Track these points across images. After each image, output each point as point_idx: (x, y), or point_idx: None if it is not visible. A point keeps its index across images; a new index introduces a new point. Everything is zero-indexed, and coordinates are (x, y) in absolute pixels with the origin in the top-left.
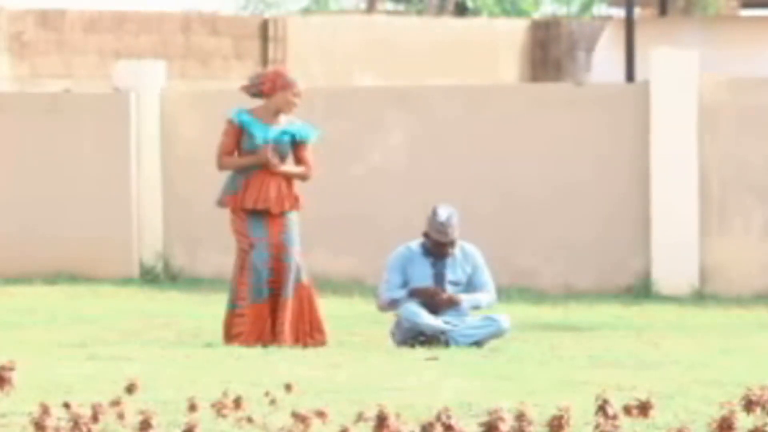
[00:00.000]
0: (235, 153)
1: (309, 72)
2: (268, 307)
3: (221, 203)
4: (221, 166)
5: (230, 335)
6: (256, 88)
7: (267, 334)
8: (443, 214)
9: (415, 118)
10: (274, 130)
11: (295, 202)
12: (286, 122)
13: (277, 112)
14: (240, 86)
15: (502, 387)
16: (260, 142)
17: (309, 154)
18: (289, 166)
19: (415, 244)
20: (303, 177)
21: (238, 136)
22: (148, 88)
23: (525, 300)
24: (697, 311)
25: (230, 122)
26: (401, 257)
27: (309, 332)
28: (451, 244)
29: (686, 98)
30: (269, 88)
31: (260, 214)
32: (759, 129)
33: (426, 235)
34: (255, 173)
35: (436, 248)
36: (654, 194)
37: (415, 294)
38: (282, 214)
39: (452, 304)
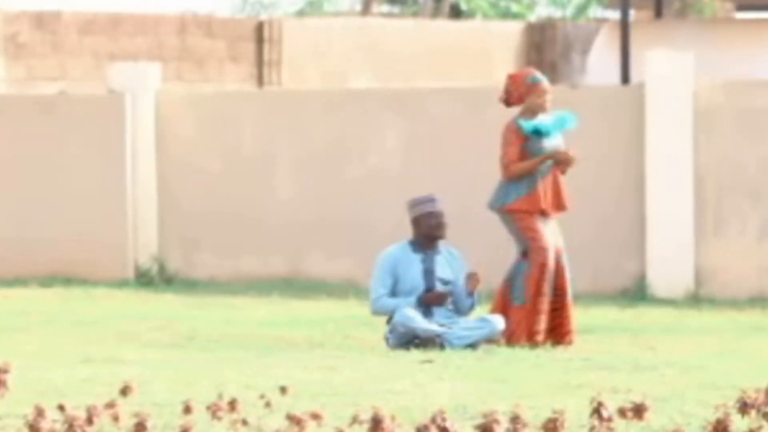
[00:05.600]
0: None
1: (304, 74)
2: (550, 307)
3: (502, 208)
4: (515, 172)
5: (530, 332)
6: (507, 101)
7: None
8: (421, 195)
9: (410, 121)
10: (546, 125)
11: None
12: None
13: (533, 114)
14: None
15: (496, 389)
16: (551, 138)
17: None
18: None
19: (406, 241)
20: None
21: (524, 143)
22: (143, 90)
23: None
24: (693, 314)
25: (516, 131)
26: (390, 257)
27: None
28: (435, 217)
29: (681, 101)
30: (516, 98)
31: (543, 216)
32: (754, 131)
33: (415, 222)
34: (547, 176)
35: (424, 228)
36: (649, 197)
37: (431, 303)
38: (558, 214)
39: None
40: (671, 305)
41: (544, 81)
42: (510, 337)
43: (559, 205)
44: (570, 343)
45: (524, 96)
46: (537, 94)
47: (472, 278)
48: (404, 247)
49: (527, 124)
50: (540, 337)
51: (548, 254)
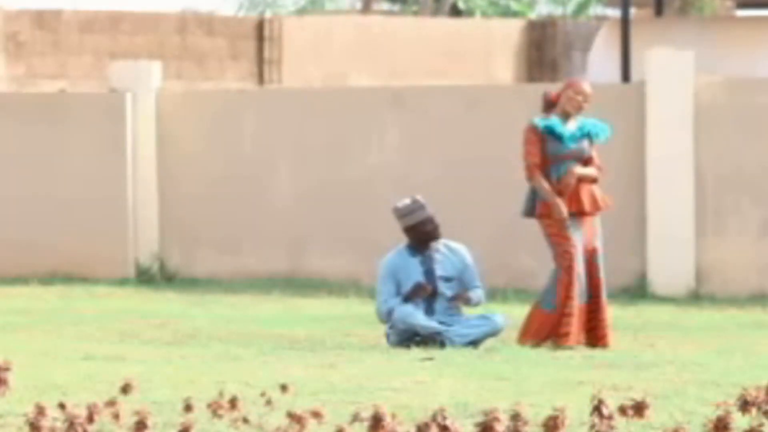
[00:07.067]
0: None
1: (305, 72)
2: (586, 309)
3: (532, 214)
4: (534, 179)
5: (558, 334)
6: (548, 97)
7: (584, 335)
8: (402, 201)
9: (411, 119)
10: (570, 129)
11: (604, 204)
12: (578, 122)
13: (564, 114)
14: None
15: (497, 387)
16: (567, 142)
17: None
18: (581, 169)
19: (403, 245)
20: (595, 179)
21: (541, 143)
22: (144, 88)
23: (521, 301)
24: (693, 311)
25: (533, 129)
26: (390, 264)
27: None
28: (431, 222)
29: (682, 98)
30: (556, 94)
31: (574, 217)
32: (755, 129)
33: (406, 231)
34: (566, 178)
35: (421, 235)
36: (650, 194)
37: (411, 296)
38: (592, 215)
39: (464, 300)
40: (672, 303)
41: (586, 84)
42: (537, 340)
43: (579, 206)
44: (606, 345)
45: (562, 92)
46: (574, 89)
47: (459, 299)
48: (402, 252)
49: (542, 122)
50: (570, 340)
51: (574, 258)
